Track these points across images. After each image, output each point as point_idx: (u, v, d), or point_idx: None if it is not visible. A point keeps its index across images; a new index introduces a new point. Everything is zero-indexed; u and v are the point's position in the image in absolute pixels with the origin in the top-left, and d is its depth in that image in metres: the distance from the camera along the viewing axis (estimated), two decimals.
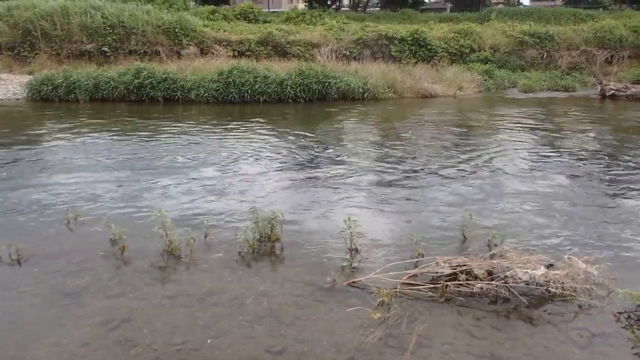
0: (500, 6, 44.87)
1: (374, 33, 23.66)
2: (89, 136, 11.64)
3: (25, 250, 5.39)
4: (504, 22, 27.69)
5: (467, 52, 23.77)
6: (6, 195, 7.37)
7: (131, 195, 7.40)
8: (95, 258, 5.36)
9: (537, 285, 4.58)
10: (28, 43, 22.67)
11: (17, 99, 17.76)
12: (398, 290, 4.61)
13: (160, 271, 5.12)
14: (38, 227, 6.18)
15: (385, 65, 20.68)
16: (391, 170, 8.88)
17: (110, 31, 22.79)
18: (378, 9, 50.10)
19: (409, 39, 23.32)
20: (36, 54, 22.54)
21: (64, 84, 17.25)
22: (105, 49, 22.60)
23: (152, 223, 5.61)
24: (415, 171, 8.77)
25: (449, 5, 48.85)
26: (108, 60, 22.24)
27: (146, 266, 5.19)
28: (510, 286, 4.52)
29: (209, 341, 3.97)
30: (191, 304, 4.51)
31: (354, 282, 4.82)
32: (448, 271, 4.77)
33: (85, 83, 17.21)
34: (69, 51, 22.61)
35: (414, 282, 4.75)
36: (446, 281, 4.70)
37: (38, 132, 12.31)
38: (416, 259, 5.26)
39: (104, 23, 22.83)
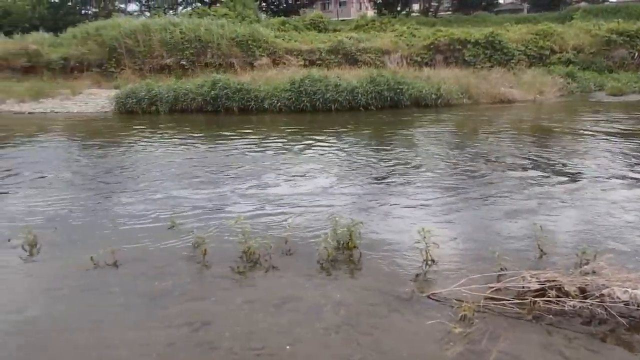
0: (583, 4, 42.60)
1: (445, 38, 23.23)
2: (173, 146, 12.18)
3: (121, 254, 5.61)
4: (587, 21, 26.28)
5: (547, 54, 22.77)
6: (106, 202, 7.80)
7: (214, 202, 7.60)
8: (179, 262, 5.53)
9: (638, 306, 4.17)
10: (114, 59, 24.24)
11: (105, 112, 18.92)
12: (481, 304, 4.41)
13: (239, 276, 5.21)
14: (134, 233, 6.41)
15: (458, 71, 20.24)
16: (466, 180, 8.60)
17: (188, 45, 23.89)
18: (449, 12, 49.10)
19: (483, 42, 22.68)
20: (121, 69, 24.03)
21: (147, 97, 18.18)
22: (184, 62, 23.70)
23: (232, 229, 5.73)
24: (492, 181, 8.43)
25: (526, 5, 47.02)
26: (186, 73, 23.28)
27: (226, 271, 5.29)
28: (607, 306, 4.17)
29: (287, 348, 3.97)
30: (268, 310, 4.53)
31: (433, 294, 4.66)
32: (535, 286, 4.48)
33: (166, 95, 18.05)
34: (151, 66, 23.93)
35: (498, 297, 4.52)
36: (534, 297, 4.43)
37: (128, 142, 12.96)
38: (498, 273, 5.01)
39: (182, 38, 23.98)
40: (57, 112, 19.26)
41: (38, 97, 20.88)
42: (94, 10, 38.64)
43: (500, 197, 7.53)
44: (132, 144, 12.60)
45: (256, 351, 3.95)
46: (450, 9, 51.12)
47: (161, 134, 13.96)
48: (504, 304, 4.42)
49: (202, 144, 12.32)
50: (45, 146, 12.60)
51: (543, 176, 8.54)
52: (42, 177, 9.33)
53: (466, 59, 22.48)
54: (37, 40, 26.29)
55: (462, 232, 6.28)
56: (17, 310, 4.64)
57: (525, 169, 9.09)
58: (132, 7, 45.68)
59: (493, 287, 4.65)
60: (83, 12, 37.82)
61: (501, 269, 5.02)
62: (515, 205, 7.12)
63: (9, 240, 6.18)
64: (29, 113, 19.40)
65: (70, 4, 36.69)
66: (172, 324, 4.36)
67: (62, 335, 4.24)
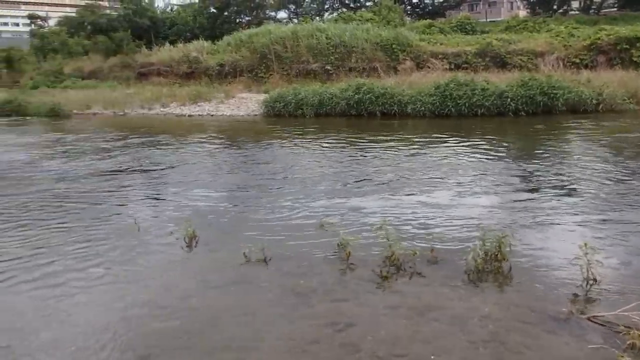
0: None
1: (610, 37, 21.07)
2: (321, 149, 12.60)
3: (270, 251, 5.88)
4: None
5: None
6: (258, 201, 8.27)
7: (359, 205, 7.70)
8: (324, 262, 5.69)
9: None
10: (264, 65, 25.80)
11: (255, 115, 20.23)
12: None
13: (383, 280, 5.20)
14: (283, 231, 6.71)
15: (624, 73, 18.23)
16: (636, 196, 7.69)
17: (333, 50, 24.55)
18: (615, 9, 44.37)
19: None
20: (270, 74, 25.47)
21: (294, 101, 19.04)
22: (328, 67, 24.40)
23: (377, 233, 5.76)
24: None
25: None
26: (330, 77, 23.92)
27: (369, 274, 5.32)
28: None
29: (432, 357, 3.88)
30: (412, 317, 4.47)
31: (595, 316, 4.24)
32: None
33: (311, 99, 18.72)
34: (297, 71, 25.02)
35: None
36: None
37: (278, 145, 13.71)
38: None
39: (327, 43, 24.72)
40: (212, 115, 21.05)
41: (196, 101, 22.98)
42: (247, 18, 41.37)
43: None
44: (282, 146, 13.29)
45: (399, 358, 3.91)
46: (616, 5, 46.16)
47: (309, 137, 14.50)
48: None
49: (348, 148, 12.58)
50: (202, 147, 13.78)
51: None
52: (201, 176, 10.21)
53: (635, 59, 20.16)
54: (197, 48, 29.01)
55: (630, 251, 5.66)
56: (179, 298, 5.06)
57: None
58: (282, 14, 48.23)
59: None
60: (237, 20, 40.65)
61: None
62: None
63: (171, 233, 6.80)
64: (188, 116, 21.47)
65: (226, 13, 39.62)
66: (317, 322, 4.48)
67: (217, 323, 4.57)
